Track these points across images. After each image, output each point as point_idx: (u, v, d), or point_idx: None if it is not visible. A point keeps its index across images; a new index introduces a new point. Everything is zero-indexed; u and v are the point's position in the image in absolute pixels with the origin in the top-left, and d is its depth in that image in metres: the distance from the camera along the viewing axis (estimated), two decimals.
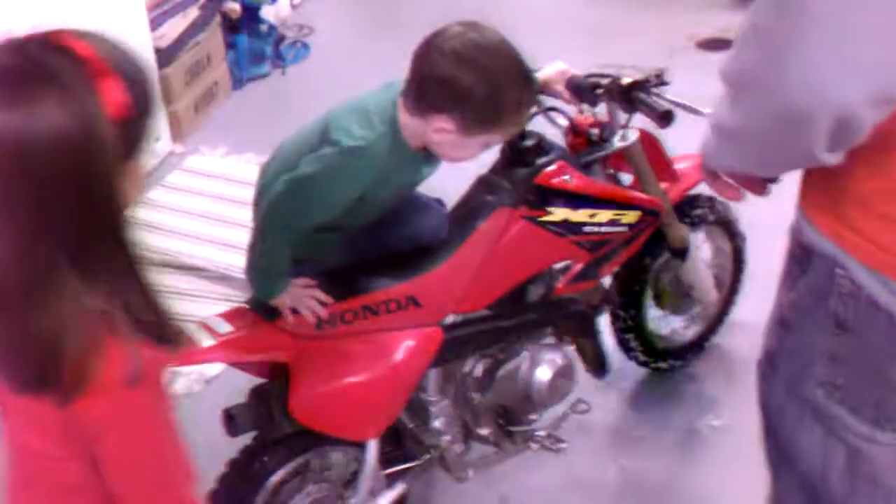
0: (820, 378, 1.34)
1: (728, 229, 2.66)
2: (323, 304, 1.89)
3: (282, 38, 4.54)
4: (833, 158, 1.15)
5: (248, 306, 1.95)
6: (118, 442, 1.11)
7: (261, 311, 1.91)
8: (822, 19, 1.03)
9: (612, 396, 2.63)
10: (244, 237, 3.26)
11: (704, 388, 2.72)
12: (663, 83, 2.14)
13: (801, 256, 1.33)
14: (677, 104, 2.08)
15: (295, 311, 1.87)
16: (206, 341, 1.82)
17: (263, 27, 4.39)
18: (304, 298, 1.88)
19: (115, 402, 1.06)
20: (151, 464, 1.16)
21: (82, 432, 1.09)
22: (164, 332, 1.09)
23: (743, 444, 2.49)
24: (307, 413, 1.85)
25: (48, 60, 1.00)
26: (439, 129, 1.80)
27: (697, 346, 2.77)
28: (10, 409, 1.13)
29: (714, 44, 4.55)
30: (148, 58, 3.55)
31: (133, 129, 1.04)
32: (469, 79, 1.75)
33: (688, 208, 2.48)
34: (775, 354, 1.44)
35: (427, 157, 1.92)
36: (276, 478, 1.96)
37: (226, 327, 1.86)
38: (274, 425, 1.88)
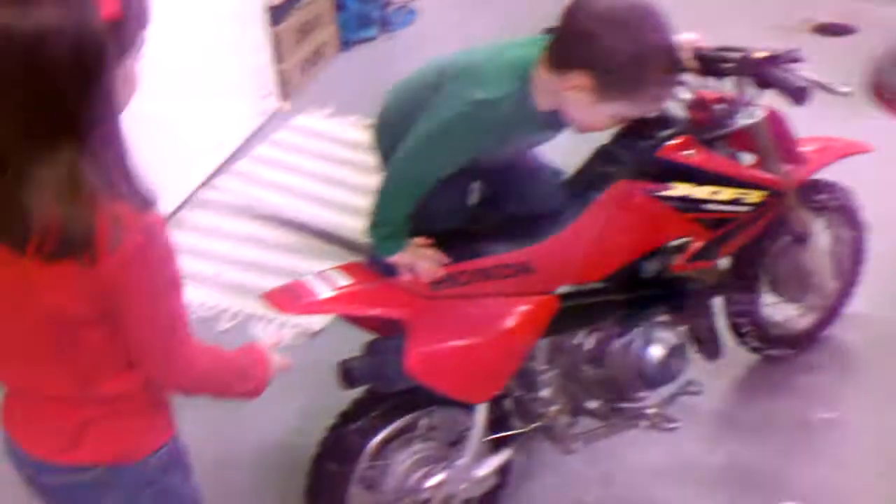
0: None
1: (849, 217, 2.58)
2: (439, 264, 1.89)
3: (389, 3, 4.54)
4: None
5: (365, 262, 1.95)
6: (137, 296, 1.24)
7: (378, 267, 1.90)
8: None
9: (721, 381, 2.58)
10: (346, 197, 3.34)
11: (818, 379, 2.64)
12: (796, 60, 2.06)
13: None
14: (813, 82, 2.01)
15: (411, 270, 1.87)
16: (326, 292, 1.82)
17: None
18: (421, 257, 1.87)
19: (132, 260, 1.20)
20: (166, 312, 1.29)
21: (105, 291, 1.22)
22: (147, 199, 1.24)
23: (856, 439, 2.44)
24: (423, 371, 1.84)
25: None
26: (574, 86, 1.75)
27: (811, 336, 2.70)
28: (35, 280, 1.22)
29: (830, 28, 4.41)
30: (260, 14, 3.60)
31: (123, 31, 1.17)
32: (615, 38, 1.70)
33: (810, 193, 2.41)
34: None
35: (552, 121, 1.88)
36: (384, 433, 1.97)
37: (344, 280, 1.86)
38: (388, 381, 1.88)
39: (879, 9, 4.51)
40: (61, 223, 1.14)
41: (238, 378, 1.46)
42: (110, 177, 1.18)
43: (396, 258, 1.87)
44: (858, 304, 2.69)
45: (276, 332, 1.68)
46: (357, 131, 3.74)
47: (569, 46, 1.75)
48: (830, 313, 2.68)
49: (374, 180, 3.42)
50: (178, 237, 3.11)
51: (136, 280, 1.23)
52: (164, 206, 3.31)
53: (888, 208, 2.82)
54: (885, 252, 2.71)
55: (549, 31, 1.94)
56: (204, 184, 3.42)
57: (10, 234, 1.18)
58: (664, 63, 1.76)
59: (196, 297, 2.93)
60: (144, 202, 1.22)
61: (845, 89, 2.10)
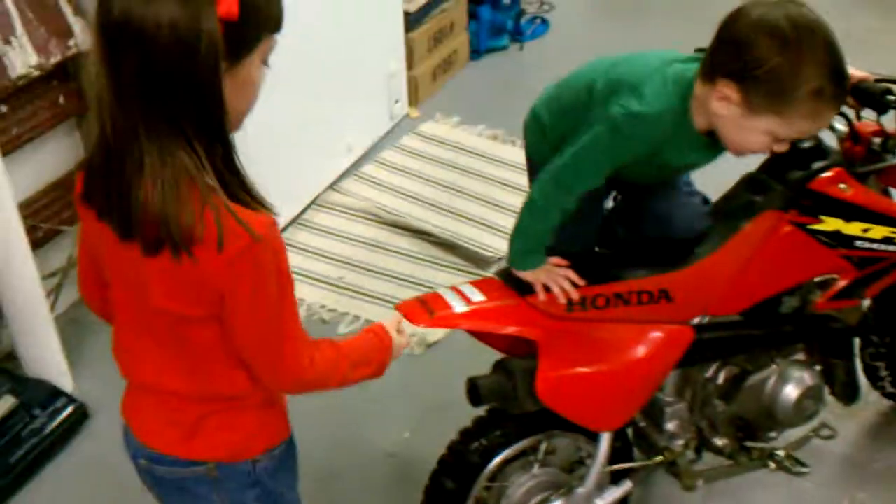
0: None
1: None
2: (575, 285, 1.84)
3: (522, 13, 4.51)
4: None
5: (499, 278, 1.92)
6: (246, 298, 1.24)
7: (513, 284, 1.87)
8: None
9: (851, 425, 2.47)
10: (470, 207, 3.32)
11: None
12: None
13: None
14: None
15: (547, 290, 1.83)
16: (460, 307, 1.80)
17: (506, 1, 4.37)
18: (557, 277, 1.83)
19: (241, 261, 1.20)
20: (276, 316, 1.28)
21: (214, 291, 1.23)
22: (258, 200, 1.25)
23: None
24: (553, 395, 1.80)
25: None
26: (723, 98, 1.66)
27: None
28: (147, 275, 1.25)
29: None
30: (396, 20, 3.61)
31: (240, 32, 1.16)
32: (767, 46, 1.61)
33: None
34: None
35: (709, 143, 1.81)
36: (504, 453, 1.94)
37: (479, 296, 1.84)
38: (515, 402, 1.84)
39: None
40: (163, 216, 1.17)
41: (357, 366, 1.45)
42: (222, 177, 1.20)
43: (531, 275, 1.84)
44: None
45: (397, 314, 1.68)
46: (484, 140, 3.73)
47: (720, 54, 1.67)
48: None
49: (494, 190, 3.42)
50: (304, 237, 3.18)
51: (243, 282, 1.23)
52: (291, 207, 3.39)
53: None
54: None
55: (700, 50, 1.89)
56: (331, 186, 3.45)
57: (123, 223, 1.21)
58: (823, 74, 1.64)
59: (317, 299, 2.95)
60: (256, 204, 1.24)
61: None
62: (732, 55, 1.65)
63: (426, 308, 1.81)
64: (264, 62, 1.24)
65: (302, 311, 2.90)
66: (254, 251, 1.21)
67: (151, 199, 1.16)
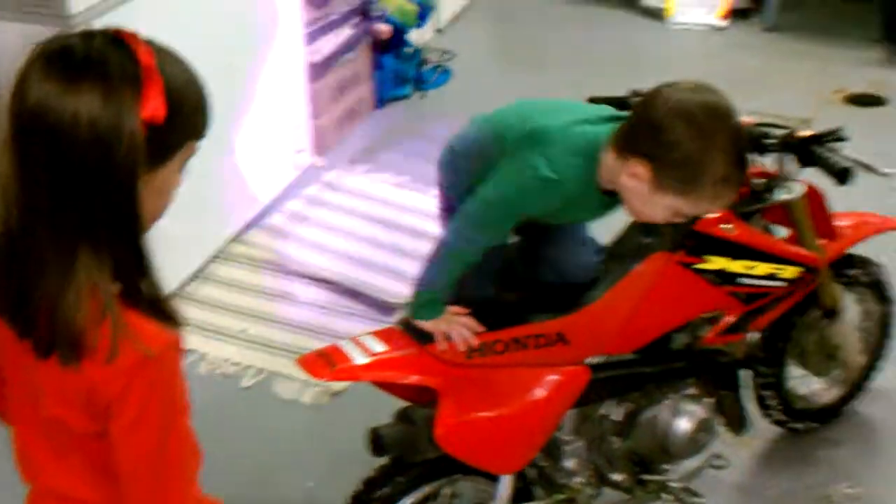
0: None
1: (879, 293, 2.57)
2: (475, 332, 1.88)
3: (425, 62, 4.59)
4: None
5: (400, 328, 1.95)
6: (130, 417, 1.13)
7: (413, 333, 1.90)
8: None
9: (743, 453, 2.55)
10: (375, 254, 3.35)
11: (840, 454, 2.62)
12: (840, 139, 2.07)
13: None
14: (856, 162, 2.01)
15: (446, 337, 1.87)
16: (360, 359, 1.83)
17: (409, 50, 4.45)
18: (457, 325, 1.87)
19: (130, 377, 1.11)
20: (159, 444, 1.17)
21: (100, 405, 1.13)
22: (166, 314, 1.16)
23: None
24: (452, 441, 1.83)
25: (107, 53, 1.07)
26: (633, 174, 1.74)
27: (835, 410, 2.68)
28: (40, 379, 1.18)
29: (861, 99, 4.44)
30: (300, 71, 3.64)
31: (163, 136, 1.10)
32: (682, 131, 1.69)
33: (842, 267, 2.40)
34: None
35: (611, 202, 1.89)
36: (408, 500, 1.95)
37: (379, 346, 1.87)
38: (417, 450, 1.87)
39: None
40: (58, 319, 1.09)
41: None
42: (130, 283, 1.12)
43: (431, 325, 1.87)
44: (884, 379, 2.68)
45: None
46: (388, 188, 3.77)
47: (636, 133, 1.75)
48: (856, 388, 2.67)
49: (399, 237, 3.45)
50: (206, 291, 3.17)
51: (128, 402, 1.13)
52: (194, 260, 3.35)
53: None
54: None
55: (593, 100, 1.97)
56: (235, 238, 3.45)
57: (18, 321, 1.14)
58: (730, 163, 1.72)
59: (219, 353, 2.94)
60: (161, 318, 1.15)
61: (888, 171, 2.11)
62: (648, 136, 1.73)
63: (327, 361, 1.83)
64: (182, 167, 1.17)
65: (204, 366, 2.88)
66: (146, 369, 1.12)
67: (48, 300, 1.09)
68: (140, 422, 1.14)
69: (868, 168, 2.02)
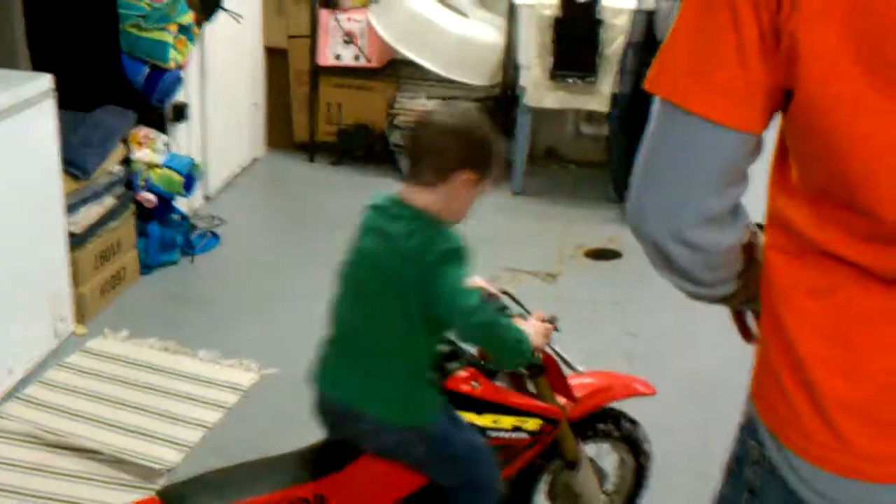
0: None
1: (633, 447, 2.72)
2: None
3: (193, 228, 4.65)
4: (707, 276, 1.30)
5: (159, 499, 1.96)
6: None
7: (173, 502, 1.92)
8: (643, 164, 1.24)
9: None
10: (140, 420, 3.31)
11: None
12: (555, 329, 2.31)
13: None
14: (558, 356, 2.35)
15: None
16: None
17: (176, 217, 4.51)
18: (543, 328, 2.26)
19: None
20: None
21: None
22: None
23: None
24: None
25: None
26: (466, 182, 2.04)
27: None
28: None
29: (600, 253, 4.88)
30: (60, 240, 3.62)
31: None
32: (477, 134, 2.06)
33: (593, 422, 2.57)
34: None
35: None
36: None
37: None
38: None
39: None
40: None
41: None
42: None
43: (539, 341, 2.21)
44: None
45: None
46: (155, 353, 3.75)
47: (440, 159, 2.04)
48: None
49: (164, 401, 3.43)
50: None
51: None
52: None
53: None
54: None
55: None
56: None
57: None
58: (498, 141, 2.14)
59: None
60: None
61: (582, 369, 2.42)
62: (456, 151, 2.05)
63: None
64: None
65: None
66: None
67: None
68: None
69: (566, 363, 2.32)
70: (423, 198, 2.05)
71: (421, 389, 2.13)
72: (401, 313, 2.02)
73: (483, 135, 2.09)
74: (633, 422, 2.68)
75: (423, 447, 2.11)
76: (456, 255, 2.03)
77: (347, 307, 2.13)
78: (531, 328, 2.17)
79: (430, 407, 2.14)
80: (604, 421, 2.62)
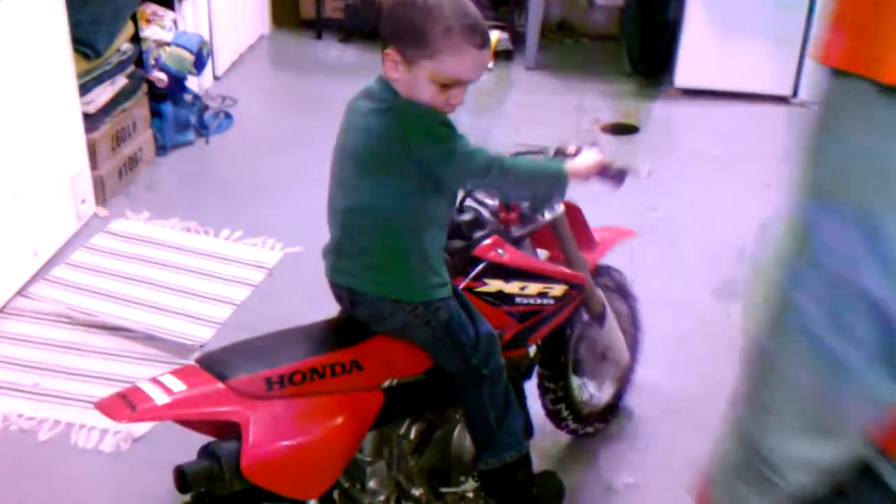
0: None
1: (623, 294, 2.83)
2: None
3: (205, 108, 4.62)
4: None
5: (198, 365, 2.00)
6: None
7: (212, 370, 1.96)
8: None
9: (533, 455, 2.74)
10: (168, 298, 3.36)
11: (616, 447, 2.87)
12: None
13: None
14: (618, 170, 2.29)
15: (249, 373, 1.94)
16: (161, 398, 1.86)
17: (188, 97, 4.48)
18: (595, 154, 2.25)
19: None
20: None
21: None
22: None
23: (653, 501, 2.67)
24: (256, 471, 1.87)
25: None
26: (390, 63, 1.93)
27: (615, 408, 2.92)
28: None
29: (617, 128, 4.86)
30: (76, 121, 3.61)
31: None
32: (402, 8, 1.91)
33: (596, 275, 2.61)
34: None
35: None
36: None
37: (179, 385, 1.90)
38: (223, 483, 1.92)
39: (654, 109, 5.03)
40: None
41: None
42: None
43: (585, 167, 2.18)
44: (641, 375, 2.97)
45: None
46: (177, 233, 3.78)
47: (382, 32, 1.95)
48: (623, 383, 2.92)
49: (191, 280, 3.49)
50: None
51: None
52: None
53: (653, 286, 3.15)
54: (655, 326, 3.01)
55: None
56: (19, 292, 3.36)
57: None
58: (446, 20, 1.89)
59: (13, 409, 2.87)
60: None
61: (645, 174, 2.39)
62: (385, 26, 1.94)
63: (127, 403, 1.84)
64: None
65: None
66: None
67: None
68: None
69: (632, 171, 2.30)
70: (392, 78, 1.98)
71: (424, 267, 2.08)
72: (399, 180, 2.00)
73: (411, 9, 1.90)
74: (618, 271, 2.77)
75: (427, 330, 2.12)
76: (436, 129, 1.95)
77: (347, 187, 2.09)
78: (580, 158, 2.17)
79: (433, 285, 2.09)
80: (600, 275, 2.68)
